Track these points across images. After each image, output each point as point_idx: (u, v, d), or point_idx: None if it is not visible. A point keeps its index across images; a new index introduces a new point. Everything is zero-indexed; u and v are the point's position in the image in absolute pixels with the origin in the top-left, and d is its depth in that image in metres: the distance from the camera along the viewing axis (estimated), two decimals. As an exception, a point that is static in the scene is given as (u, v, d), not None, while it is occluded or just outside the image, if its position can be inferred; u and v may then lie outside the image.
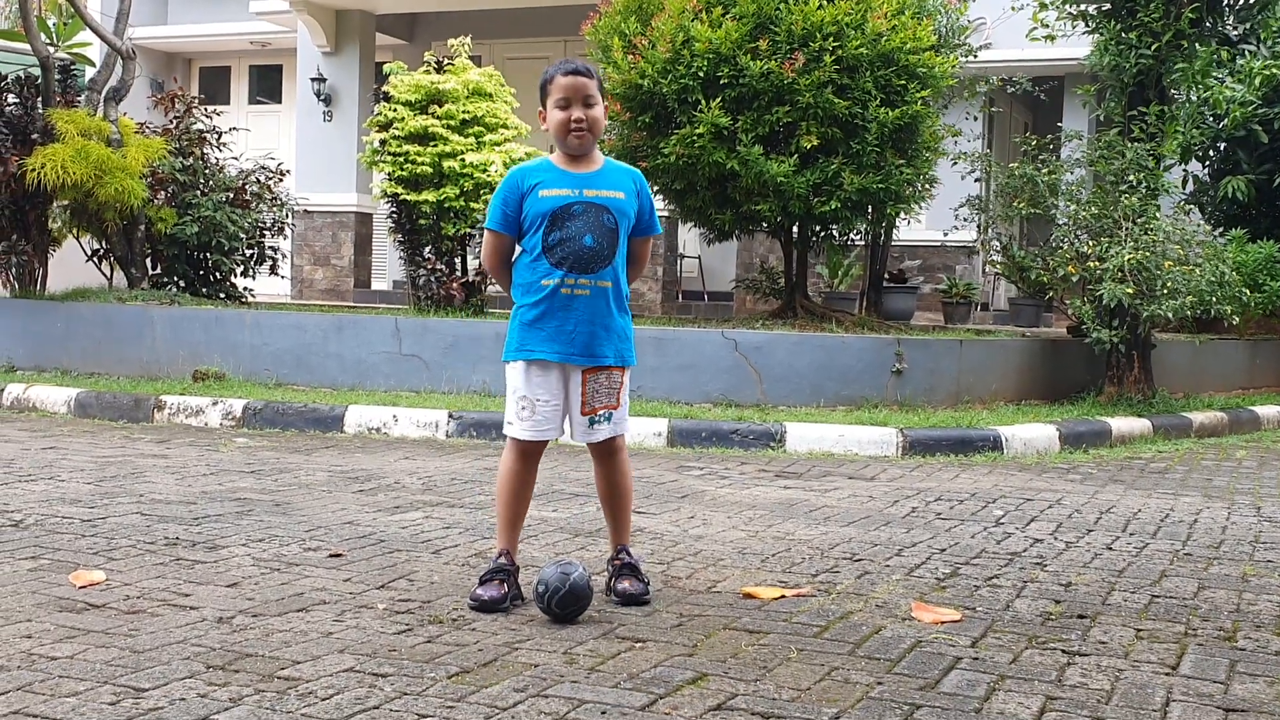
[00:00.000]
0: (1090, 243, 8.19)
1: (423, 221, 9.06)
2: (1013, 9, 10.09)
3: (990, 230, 9.73)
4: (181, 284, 9.84)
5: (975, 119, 10.82)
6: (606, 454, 3.52)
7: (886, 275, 11.13)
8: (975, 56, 10.22)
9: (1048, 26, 9.19)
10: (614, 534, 3.59)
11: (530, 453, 3.46)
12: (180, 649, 2.88)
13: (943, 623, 3.27)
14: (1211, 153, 12.10)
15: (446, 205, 8.85)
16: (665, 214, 12.37)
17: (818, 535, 4.44)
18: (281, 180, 10.54)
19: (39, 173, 8.56)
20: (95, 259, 9.95)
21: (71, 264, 10.08)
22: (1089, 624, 3.30)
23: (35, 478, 5.25)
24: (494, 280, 3.63)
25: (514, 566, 3.41)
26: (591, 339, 3.39)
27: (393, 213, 9.38)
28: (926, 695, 2.68)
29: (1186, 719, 2.58)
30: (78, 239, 9.84)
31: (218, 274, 10.04)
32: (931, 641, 3.10)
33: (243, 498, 4.91)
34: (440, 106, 9.01)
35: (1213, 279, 7.89)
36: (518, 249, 3.50)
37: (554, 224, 3.36)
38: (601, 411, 3.43)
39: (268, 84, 17.48)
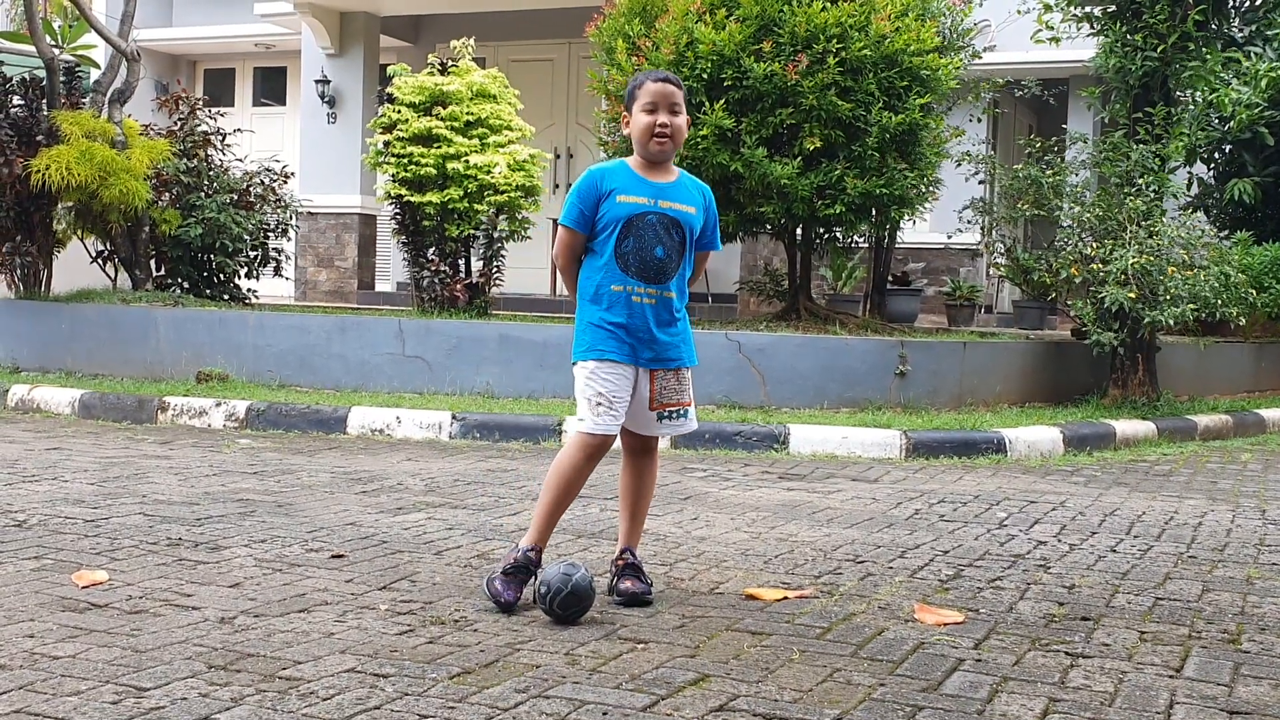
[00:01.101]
0: (1094, 244, 8.18)
1: (426, 223, 9.06)
2: (1018, 11, 10.09)
3: (994, 232, 9.72)
4: (185, 285, 9.85)
5: (979, 121, 10.80)
6: (645, 450, 3.59)
7: (890, 277, 11.12)
8: (979, 58, 10.21)
9: (1053, 28, 9.18)
10: (626, 533, 3.58)
11: (597, 450, 3.44)
12: (182, 649, 2.88)
13: (945, 624, 3.26)
14: (1217, 155, 12.08)
15: (450, 207, 8.86)
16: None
17: (821, 537, 4.44)
18: (285, 182, 10.54)
19: (44, 174, 8.57)
20: (99, 260, 9.96)
21: (76, 265, 10.09)
22: (1092, 626, 3.30)
23: (39, 478, 5.25)
24: (561, 276, 3.66)
25: (538, 565, 3.39)
26: (657, 344, 3.46)
27: (396, 214, 9.38)
28: (929, 697, 2.68)
29: (1190, 721, 2.57)
30: (82, 240, 9.85)
31: (222, 275, 10.05)
32: (934, 643, 3.09)
33: (245, 499, 4.91)
34: (444, 108, 9.02)
35: (1217, 283, 7.88)
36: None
37: (627, 231, 3.41)
38: (673, 408, 3.51)
39: (272, 86, 17.50)
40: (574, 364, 3.51)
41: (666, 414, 3.50)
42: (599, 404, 3.42)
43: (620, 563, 3.51)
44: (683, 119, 3.48)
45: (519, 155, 9.00)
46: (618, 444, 3.59)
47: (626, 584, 3.43)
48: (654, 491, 3.66)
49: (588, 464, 3.47)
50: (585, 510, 4.84)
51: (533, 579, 3.35)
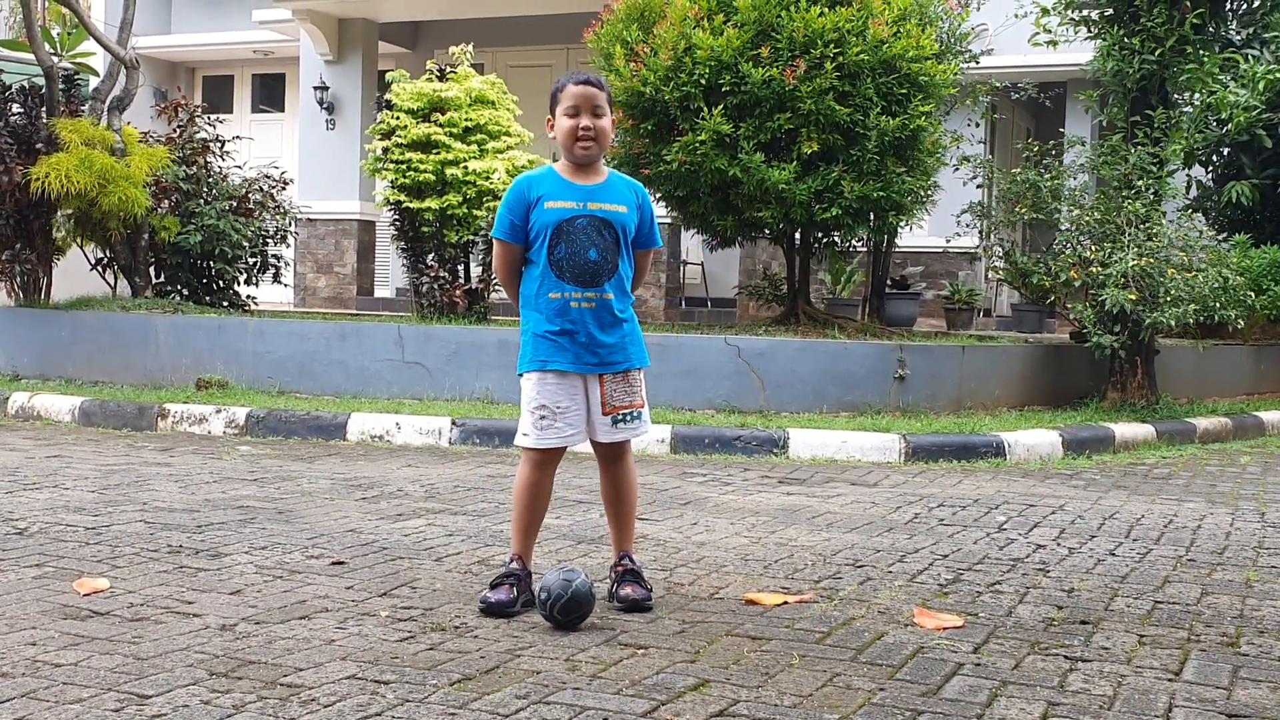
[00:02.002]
0: (1093, 248, 8.19)
1: (425, 229, 9.08)
2: (1015, 15, 10.10)
3: (992, 236, 9.73)
4: (185, 292, 9.85)
5: (977, 125, 10.82)
6: (617, 458, 3.55)
7: (889, 281, 11.13)
8: (977, 63, 10.22)
9: (1050, 32, 9.20)
10: (617, 540, 3.60)
11: (546, 462, 3.48)
12: (183, 656, 2.88)
13: (945, 629, 3.27)
14: (1215, 158, 12.10)
15: (449, 213, 8.87)
16: (668, 221, 12.38)
17: (820, 541, 4.44)
18: (284, 188, 10.56)
19: (43, 182, 8.58)
20: (99, 268, 9.97)
21: (75, 273, 10.10)
22: (1091, 630, 3.30)
23: (40, 486, 5.26)
24: (503, 289, 3.65)
25: (525, 572, 3.43)
26: (601, 348, 3.43)
27: (395, 220, 9.40)
28: (928, 701, 2.68)
29: (1189, 724, 2.58)
30: (82, 248, 9.85)
31: (221, 282, 10.06)
32: (933, 647, 3.10)
33: (246, 505, 4.91)
34: (443, 114, 9.04)
35: (1216, 285, 7.89)
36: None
37: (559, 236, 3.39)
38: (624, 410, 3.47)
39: (271, 92, 17.52)
40: (520, 376, 3.51)
41: (620, 417, 3.46)
42: (542, 416, 3.44)
43: (619, 569, 3.52)
44: (606, 120, 3.44)
45: (517, 161, 9.02)
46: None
47: (627, 590, 3.44)
48: (636, 495, 3.64)
49: (542, 477, 3.49)
50: (585, 516, 4.85)
51: (519, 580, 3.38)
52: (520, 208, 3.44)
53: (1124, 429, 7.50)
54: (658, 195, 8.87)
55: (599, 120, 3.41)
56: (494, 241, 3.53)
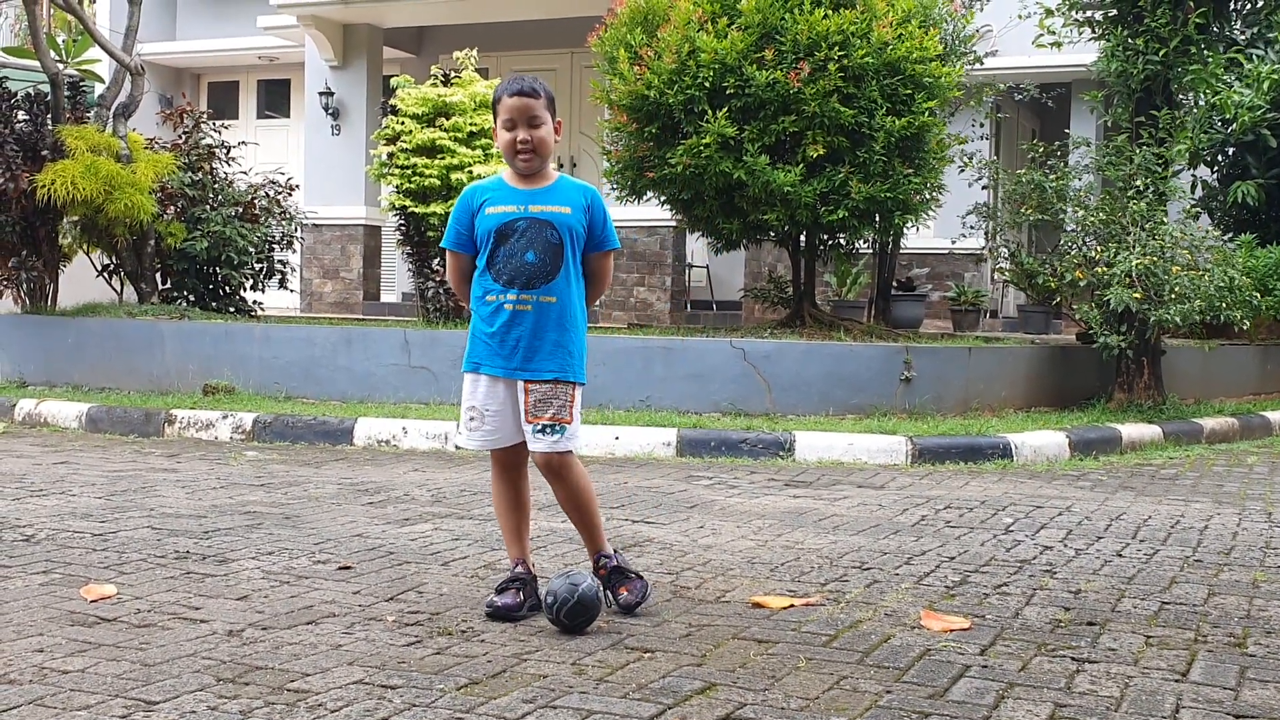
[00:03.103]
0: (1098, 248, 8.18)
1: (431, 234, 9.08)
2: (1019, 16, 10.10)
3: (998, 237, 9.72)
4: (191, 298, 9.87)
5: (982, 126, 10.81)
6: (555, 472, 3.43)
7: (895, 283, 11.12)
8: (981, 64, 10.22)
9: (1054, 33, 9.19)
10: (588, 544, 3.54)
11: (507, 464, 3.49)
12: (191, 662, 2.89)
13: (951, 631, 3.27)
14: (1220, 158, 12.08)
15: (454, 217, 8.87)
16: (673, 224, 12.40)
17: (827, 544, 4.44)
18: (290, 194, 10.57)
19: (49, 189, 8.61)
20: (105, 274, 9.99)
21: (82, 279, 10.13)
22: (1098, 631, 3.30)
23: (47, 492, 5.27)
24: (458, 296, 3.65)
25: (530, 575, 3.43)
26: (532, 353, 3.38)
27: (401, 225, 9.40)
28: (935, 704, 2.68)
29: (1196, 726, 2.58)
30: (88, 254, 9.88)
31: (227, 288, 10.07)
32: (940, 650, 3.10)
33: (253, 511, 4.92)
34: (448, 119, 9.04)
35: (1222, 284, 7.88)
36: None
37: (499, 240, 3.39)
38: (547, 423, 3.38)
39: (276, 98, 17.55)
40: (463, 374, 3.53)
41: (540, 428, 3.37)
42: (471, 418, 3.47)
43: (602, 572, 3.46)
44: (546, 129, 3.38)
45: (522, 165, 9.01)
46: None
47: (623, 593, 3.43)
48: (593, 498, 3.51)
49: (507, 479, 3.50)
50: (591, 519, 4.85)
51: (524, 584, 3.38)
52: (465, 216, 3.46)
53: (1131, 430, 7.49)
54: (663, 198, 8.88)
55: (536, 130, 3.36)
56: (445, 251, 3.54)
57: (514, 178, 3.46)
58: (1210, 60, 8.70)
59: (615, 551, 3.55)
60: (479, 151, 8.96)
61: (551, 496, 5.22)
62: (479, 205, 3.43)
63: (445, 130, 8.98)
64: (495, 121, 3.44)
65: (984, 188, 10.23)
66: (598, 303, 3.63)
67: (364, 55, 14.62)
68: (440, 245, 3.57)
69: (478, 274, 3.46)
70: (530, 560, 3.51)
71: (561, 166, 14.44)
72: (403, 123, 9.10)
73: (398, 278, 15.11)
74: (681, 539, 4.50)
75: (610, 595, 3.45)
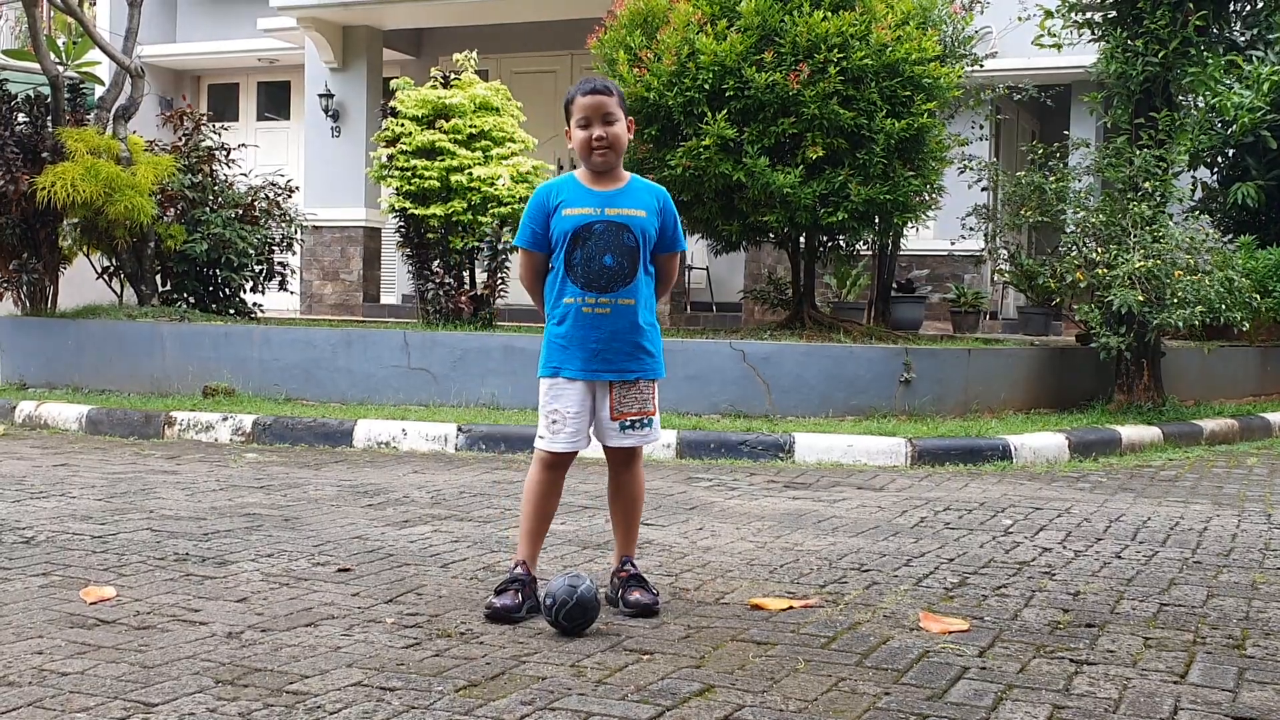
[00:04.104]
0: (1099, 250, 8.18)
1: (431, 235, 9.09)
2: (1019, 18, 10.09)
3: (998, 239, 9.73)
4: (191, 300, 9.88)
5: (982, 128, 10.81)
6: (626, 463, 3.55)
7: (894, 285, 11.12)
8: (981, 66, 10.23)
9: (1054, 35, 9.18)
10: (621, 544, 3.60)
11: (557, 465, 3.50)
12: (190, 664, 2.89)
13: (950, 632, 3.27)
14: (1220, 159, 12.09)
15: (454, 219, 8.88)
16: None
17: (826, 546, 4.44)
18: (290, 196, 10.58)
19: (49, 191, 8.61)
20: (105, 276, 9.99)
21: (82, 282, 10.13)
22: (1097, 633, 3.30)
23: (47, 494, 5.27)
24: (530, 297, 3.67)
25: (530, 577, 3.43)
26: (616, 355, 3.43)
27: (401, 227, 9.41)
28: (934, 705, 2.68)
29: (1195, 727, 2.58)
30: (88, 257, 9.88)
31: (227, 290, 10.08)
32: (939, 651, 3.10)
33: (252, 513, 4.92)
34: (447, 121, 9.05)
35: (1222, 287, 7.88)
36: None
37: (575, 242, 3.40)
38: (634, 417, 3.47)
39: (276, 100, 17.56)
40: (539, 379, 3.53)
41: (628, 423, 3.46)
42: (554, 421, 3.46)
43: (623, 574, 3.52)
44: (619, 126, 3.43)
45: (522, 167, 9.03)
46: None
47: (635, 595, 3.44)
48: (643, 501, 3.64)
49: (552, 479, 3.50)
50: (590, 521, 4.85)
51: (524, 586, 3.38)
52: (540, 215, 3.46)
53: (1130, 431, 7.49)
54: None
55: (611, 127, 3.41)
56: (519, 251, 3.54)
57: (587, 177, 3.48)
58: (1210, 62, 8.70)
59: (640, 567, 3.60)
60: (478, 153, 8.96)
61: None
62: (555, 206, 3.44)
63: (445, 132, 8.99)
64: (569, 123, 3.47)
65: (984, 189, 10.23)
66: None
67: (364, 57, 14.63)
68: (515, 243, 3.58)
69: (553, 276, 3.47)
70: (535, 565, 3.51)
71: (562, 168, 14.46)
72: (402, 125, 9.11)
73: (398, 279, 15.12)
74: (681, 540, 4.50)
75: (620, 596, 3.47)
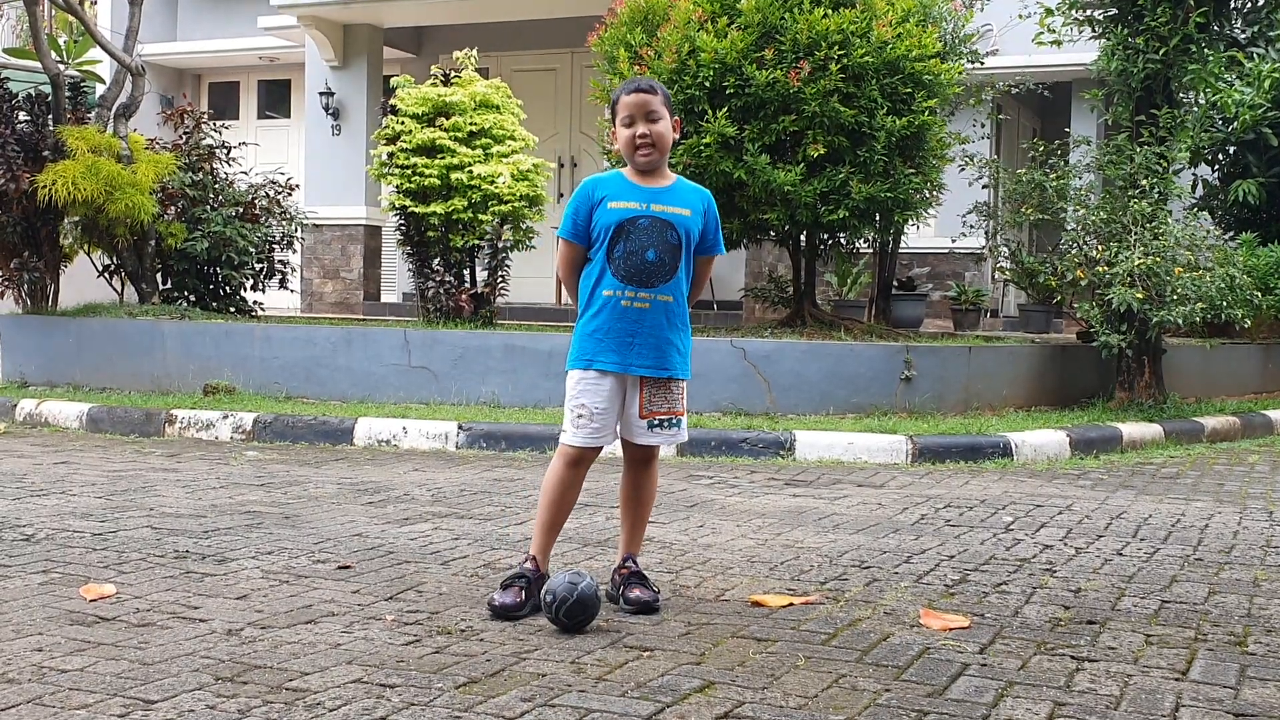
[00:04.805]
0: (1099, 247, 8.18)
1: (431, 234, 9.08)
2: (1019, 15, 10.09)
3: (999, 236, 9.72)
4: (192, 298, 9.88)
5: (983, 125, 10.81)
6: (645, 462, 3.56)
7: (895, 283, 11.11)
8: (982, 63, 10.22)
9: (1054, 32, 9.18)
10: (627, 541, 3.59)
11: (581, 460, 3.48)
12: (189, 661, 2.89)
13: (951, 629, 3.26)
14: (1221, 156, 12.08)
15: (455, 217, 8.87)
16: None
17: (826, 543, 4.44)
18: (290, 194, 10.57)
19: (50, 189, 8.61)
20: (106, 274, 9.99)
21: (83, 280, 10.13)
22: (1098, 630, 3.29)
23: (47, 492, 5.27)
24: (565, 289, 3.67)
25: (538, 575, 3.41)
26: (648, 350, 3.43)
27: (401, 225, 9.40)
28: (934, 702, 2.68)
29: (1196, 724, 2.57)
30: (89, 255, 9.88)
31: (228, 288, 10.08)
32: (940, 648, 3.09)
33: (252, 510, 4.92)
34: (447, 119, 9.04)
35: (1223, 284, 7.87)
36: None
37: (619, 236, 3.41)
38: (663, 417, 3.47)
39: (276, 99, 17.56)
40: (567, 371, 3.53)
41: (657, 423, 3.47)
42: (580, 415, 3.44)
43: (624, 571, 3.52)
44: (664, 124, 3.44)
45: (523, 165, 9.02)
46: (619, 452, 3.61)
47: (636, 592, 3.44)
48: (654, 500, 3.65)
49: (573, 475, 3.48)
50: (591, 519, 4.85)
51: (529, 584, 3.37)
52: (585, 208, 3.46)
53: (1131, 428, 7.48)
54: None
55: (655, 125, 3.42)
56: (559, 241, 3.56)
57: (634, 175, 3.48)
58: (1211, 59, 8.69)
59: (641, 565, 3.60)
60: (479, 151, 8.96)
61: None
62: (599, 199, 3.44)
63: (445, 130, 8.98)
64: (614, 123, 3.48)
65: (984, 187, 10.22)
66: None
67: (364, 55, 14.63)
68: (557, 235, 3.57)
69: (592, 268, 3.46)
70: (547, 563, 3.50)
71: (563, 166, 14.46)
72: (403, 122, 9.10)
73: (398, 278, 15.11)
74: (681, 538, 4.50)
75: (621, 593, 3.46)
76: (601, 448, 3.50)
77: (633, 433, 3.49)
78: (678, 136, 3.55)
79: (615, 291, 3.41)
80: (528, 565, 3.43)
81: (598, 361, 3.43)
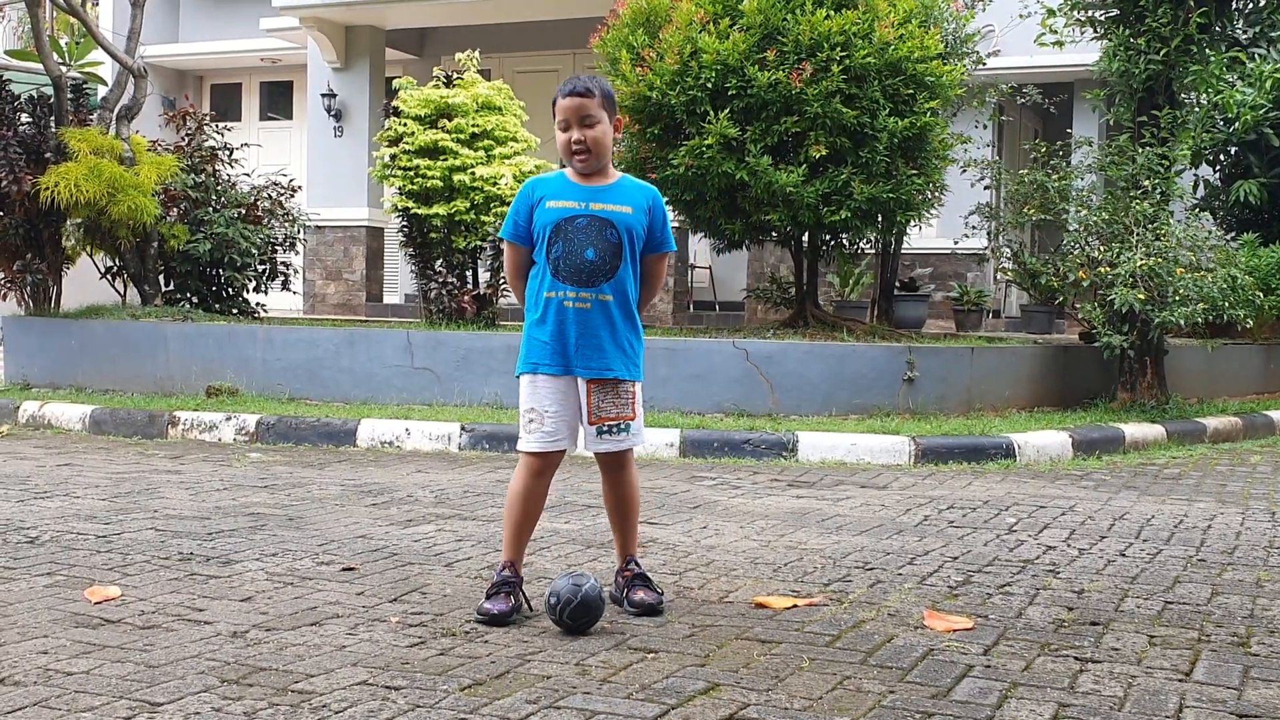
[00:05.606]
0: (1101, 248, 8.18)
1: (434, 235, 9.09)
2: (1021, 16, 10.09)
3: (1001, 237, 9.72)
4: (194, 300, 9.88)
5: (985, 127, 10.80)
6: (615, 467, 3.51)
7: (898, 283, 11.12)
8: (984, 64, 10.22)
9: (1056, 33, 9.19)
10: (621, 546, 3.59)
11: (541, 469, 3.45)
12: (195, 663, 2.89)
13: (955, 631, 3.27)
14: (1222, 157, 12.08)
15: (457, 219, 8.88)
16: (675, 225, 12.37)
17: (830, 544, 4.44)
18: (293, 195, 10.58)
19: (52, 191, 8.61)
20: (109, 276, 10.00)
21: (85, 282, 10.14)
22: (1102, 631, 3.30)
23: (51, 494, 5.27)
24: (513, 292, 3.65)
25: (518, 579, 3.42)
26: (592, 351, 3.38)
27: (403, 227, 9.41)
28: (938, 704, 2.68)
29: (1200, 725, 2.58)
30: (91, 257, 9.89)
31: (230, 290, 10.08)
32: (943, 650, 3.10)
33: (256, 512, 4.93)
34: (450, 120, 9.05)
35: (1225, 284, 7.87)
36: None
37: (557, 235, 3.38)
38: (611, 422, 3.41)
39: (279, 100, 17.57)
40: (518, 377, 3.50)
41: (605, 429, 3.41)
42: (531, 420, 3.42)
43: (627, 574, 3.51)
44: (601, 128, 3.38)
45: (525, 166, 9.03)
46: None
47: (640, 595, 3.44)
48: (639, 501, 3.59)
49: (537, 485, 3.45)
50: (594, 520, 4.85)
51: (514, 588, 3.37)
52: (525, 208, 3.45)
53: (1134, 429, 7.49)
54: (665, 200, 8.86)
55: (590, 130, 3.36)
56: (502, 243, 3.54)
57: (575, 175, 3.46)
58: (1212, 59, 8.70)
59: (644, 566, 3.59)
60: (481, 153, 8.97)
61: (554, 498, 5.23)
62: (539, 199, 3.42)
63: (447, 132, 8.99)
64: (555, 123, 3.46)
65: (986, 188, 10.23)
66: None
67: (366, 57, 14.64)
68: (498, 236, 3.56)
69: (536, 270, 3.44)
70: (522, 565, 3.49)
71: (564, 166, 14.44)
72: (405, 124, 9.11)
73: (401, 279, 15.12)
74: (685, 539, 4.51)
75: (625, 595, 3.46)
76: (562, 452, 3.45)
77: (586, 440, 3.44)
78: (620, 136, 3.52)
79: (557, 293, 3.37)
80: (507, 573, 3.40)
81: (543, 366, 3.41)
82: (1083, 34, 9.17)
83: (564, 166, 3.55)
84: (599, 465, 3.54)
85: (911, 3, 8.30)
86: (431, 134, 8.96)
